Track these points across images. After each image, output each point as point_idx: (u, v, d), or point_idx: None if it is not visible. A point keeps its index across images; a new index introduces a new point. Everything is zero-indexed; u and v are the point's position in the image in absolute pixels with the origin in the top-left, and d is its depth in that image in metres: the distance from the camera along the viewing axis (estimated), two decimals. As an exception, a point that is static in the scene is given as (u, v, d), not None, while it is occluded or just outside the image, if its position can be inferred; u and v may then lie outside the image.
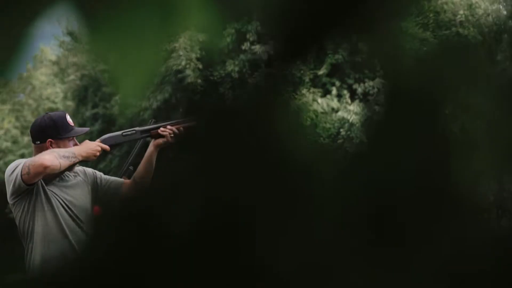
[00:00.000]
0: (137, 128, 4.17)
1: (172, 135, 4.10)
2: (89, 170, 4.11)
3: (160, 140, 4.11)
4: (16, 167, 3.77)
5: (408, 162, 0.88)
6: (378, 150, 0.90)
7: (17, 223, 3.88)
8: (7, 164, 18.77)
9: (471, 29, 17.34)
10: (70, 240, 3.85)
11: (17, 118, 22.04)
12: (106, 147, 4.04)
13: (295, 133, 0.89)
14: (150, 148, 4.11)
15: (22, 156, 20.23)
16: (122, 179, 4.14)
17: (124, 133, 4.18)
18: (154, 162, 4.08)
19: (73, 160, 3.85)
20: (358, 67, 17.72)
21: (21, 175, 3.75)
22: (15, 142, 21.27)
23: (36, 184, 3.82)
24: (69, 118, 3.97)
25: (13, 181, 3.79)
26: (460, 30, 17.27)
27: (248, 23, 17.54)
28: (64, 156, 3.80)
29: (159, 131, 4.12)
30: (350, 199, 0.87)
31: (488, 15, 17.47)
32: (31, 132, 3.99)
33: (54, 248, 3.83)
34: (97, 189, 4.05)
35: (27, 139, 20.98)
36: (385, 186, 0.87)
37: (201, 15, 0.88)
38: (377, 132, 0.90)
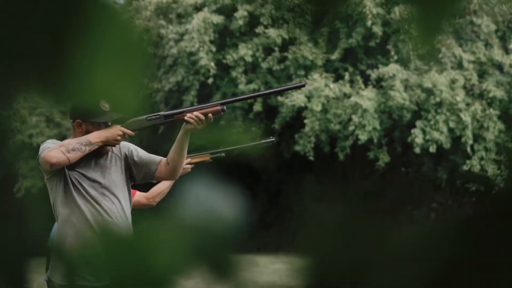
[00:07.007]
0: (161, 113, 4.07)
1: (200, 121, 3.97)
2: (124, 144, 4.08)
3: (189, 126, 3.98)
4: (40, 153, 3.85)
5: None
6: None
7: (50, 199, 3.99)
8: (15, 143, 18.87)
9: (485, 17, 17.26)
10: (89, 222, 3.89)
11: (24, 99, 22.09)
12: (129, 131, 3.99)
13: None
14: (181, 132, 4.00)
15: (30, 136, 20.39)
16: (159, 158, 4.09)
17: (148, 118, 4.09)
18: (185, 146, 3.99)
19: (88, 148, 3.87)
20: (372, 52, 17.65)
21: (38, 165, 3.87)
22: (23, 122, 21.38)
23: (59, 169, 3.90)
24: (104, 103, 3.91)
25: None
26: (474, 18, 17.19)
27: (262, 6, 17.48)
28: (73, 149, 3.83)
29: (185, 117, 3.99)
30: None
31: (502, 4, 17.39)
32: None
33: (72, 230, 3.89)
34: (129, 166, 4.05)
35: (34, 119, 21.11)
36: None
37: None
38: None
